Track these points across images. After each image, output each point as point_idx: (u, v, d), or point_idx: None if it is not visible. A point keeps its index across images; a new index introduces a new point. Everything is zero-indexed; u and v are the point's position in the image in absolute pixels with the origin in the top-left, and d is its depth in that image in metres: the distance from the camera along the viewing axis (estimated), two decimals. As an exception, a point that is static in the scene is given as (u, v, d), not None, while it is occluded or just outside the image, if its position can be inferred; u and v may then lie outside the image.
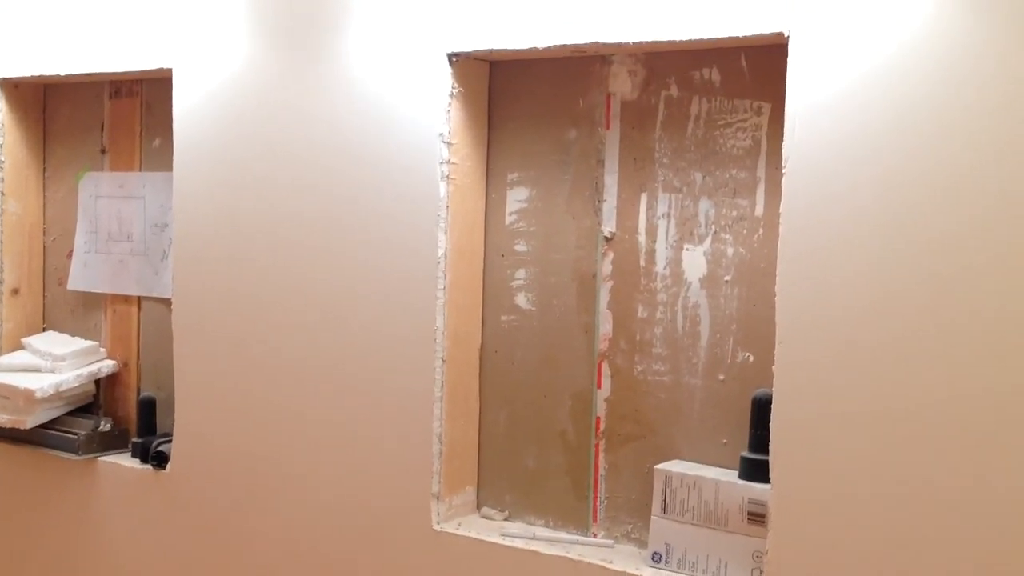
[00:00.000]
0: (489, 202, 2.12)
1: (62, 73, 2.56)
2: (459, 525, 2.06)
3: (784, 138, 1.66)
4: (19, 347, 2.69)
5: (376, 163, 2.09)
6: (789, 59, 1.64)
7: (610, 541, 1.99)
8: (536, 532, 2.03)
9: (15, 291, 2.73)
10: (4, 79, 2.68)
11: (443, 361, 2.04)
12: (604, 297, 1.99)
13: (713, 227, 1.88)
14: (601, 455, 2.01)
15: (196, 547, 2.39)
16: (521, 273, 2.09)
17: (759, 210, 1.83)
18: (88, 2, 2.48)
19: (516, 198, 2.09)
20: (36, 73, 2.60)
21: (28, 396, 2.49)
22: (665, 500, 1.88)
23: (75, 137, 2.74)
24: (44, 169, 2.79)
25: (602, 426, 2.00)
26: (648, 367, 1.95)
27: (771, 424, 1.69)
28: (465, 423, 2.11)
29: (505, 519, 2.10)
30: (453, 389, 2.07)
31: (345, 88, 2.12)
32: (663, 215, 1.93)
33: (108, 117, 2.67)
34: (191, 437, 2.39)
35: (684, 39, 1.75)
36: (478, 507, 2.14)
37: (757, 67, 1.81)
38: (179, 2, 2.33)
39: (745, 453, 1.82)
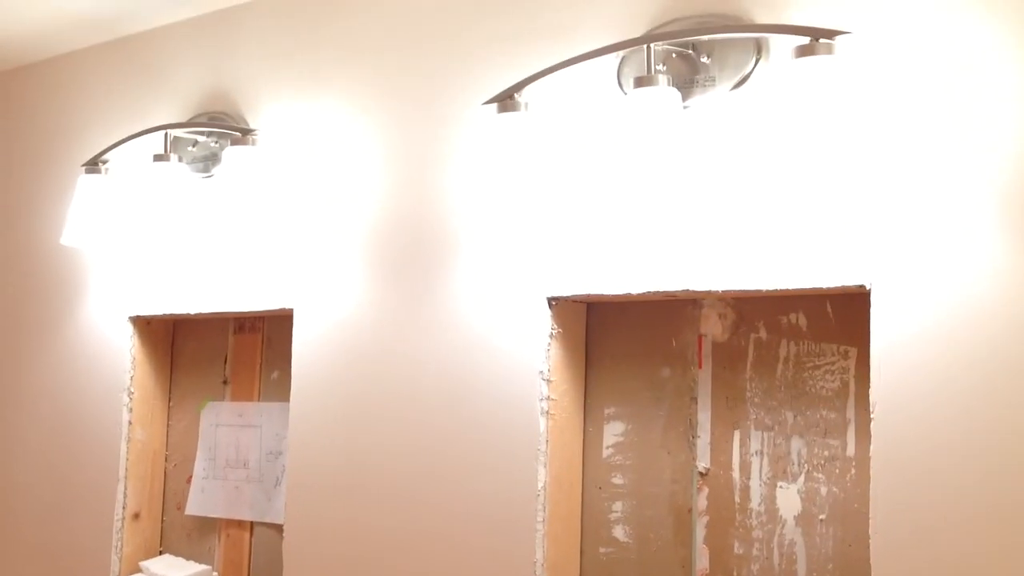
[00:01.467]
0: (586, 436, 2.20)
1: (191, 312, 2.77)
2: None
3: (871, 383, 1.73)
4: (137, 570, 2.80)
5: (479, 399, 2.20)
6: (871, 310, 1.73)
7: None
8: None
9: (136, 515, 2.87)
10: (137, 316, 2.90)
11: (543, 594, 2.09)
12: (700, 532, 2.04)
13: (806, 466, 1.93)
14: None
15: None
16: (618, 506, 2.15)
17: (850, 450, 1.88)
18: (217, 251, 2.71)
19: (612, 432, 2.17)
20: (167, 312, 2.82)
21: (144, 620, 2.59)
22: None
23: (200, 368, 2.93)
24: (169, 399, 2.98)
25: (702, 663, 2.01)
26: (746, 604, 1.97)
27: (871, 668, 1.69)
28: (565, 657, 2.13)
29: None
30: (553, 623, 2.10)
31: (451, 328, 2.26)
32: (756, 452, 1.99)
33: (231, 350, 2.87)
34: (296, 664, 2.44)
35: (770, 288, 1.86)
36: None
37: (842, 313, 1.90)
38: (301, 250, 2.54)
39: None
